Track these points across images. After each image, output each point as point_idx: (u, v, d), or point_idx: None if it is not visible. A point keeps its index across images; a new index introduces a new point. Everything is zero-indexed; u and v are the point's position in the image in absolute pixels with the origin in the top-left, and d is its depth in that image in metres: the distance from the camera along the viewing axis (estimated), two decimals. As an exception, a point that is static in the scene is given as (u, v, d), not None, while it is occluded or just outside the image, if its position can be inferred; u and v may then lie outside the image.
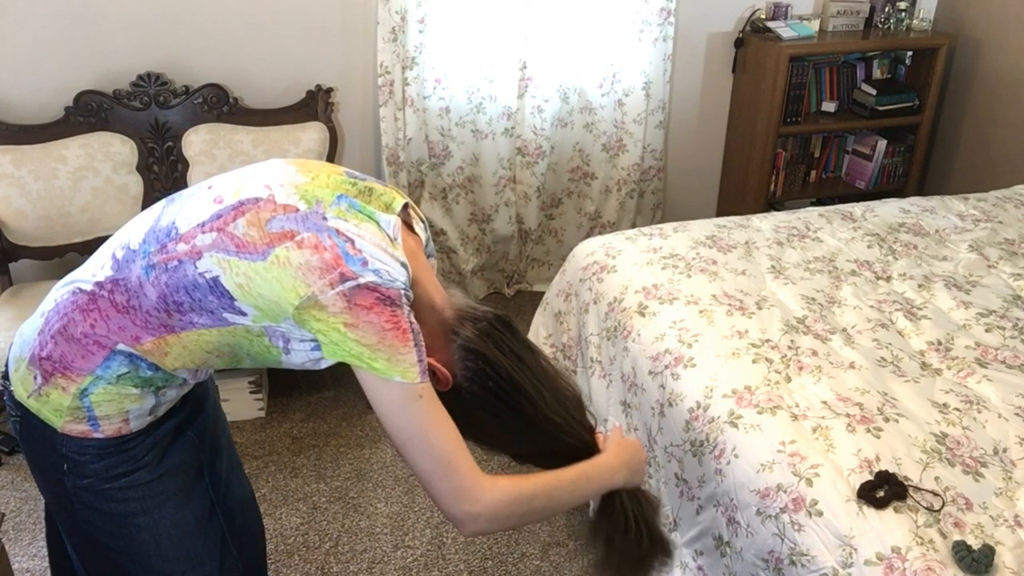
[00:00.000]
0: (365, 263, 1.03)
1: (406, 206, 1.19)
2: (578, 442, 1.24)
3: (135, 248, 1.12)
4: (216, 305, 1.07)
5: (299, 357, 1.12)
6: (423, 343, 1.07)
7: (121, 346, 1.10)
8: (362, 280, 1.02)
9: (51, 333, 1.12)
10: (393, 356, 1.04)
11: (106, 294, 1.11)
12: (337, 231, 1.05)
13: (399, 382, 1.04)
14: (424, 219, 1.27)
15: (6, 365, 1.20)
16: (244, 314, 1.08)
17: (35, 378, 1.13)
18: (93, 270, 1.14)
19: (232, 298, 1.06)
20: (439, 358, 1.16)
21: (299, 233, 1.04)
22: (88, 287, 1.12)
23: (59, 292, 1.16)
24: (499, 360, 1.15)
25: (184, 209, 1.12)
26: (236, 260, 1.05)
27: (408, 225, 1.20)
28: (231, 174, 1.18)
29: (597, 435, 1.29)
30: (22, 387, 1.15)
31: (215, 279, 1.06)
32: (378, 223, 1.09)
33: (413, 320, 1.07)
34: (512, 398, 1.16)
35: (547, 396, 1.19)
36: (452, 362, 1.16)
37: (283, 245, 1.04)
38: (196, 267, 1.06)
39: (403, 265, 1.07)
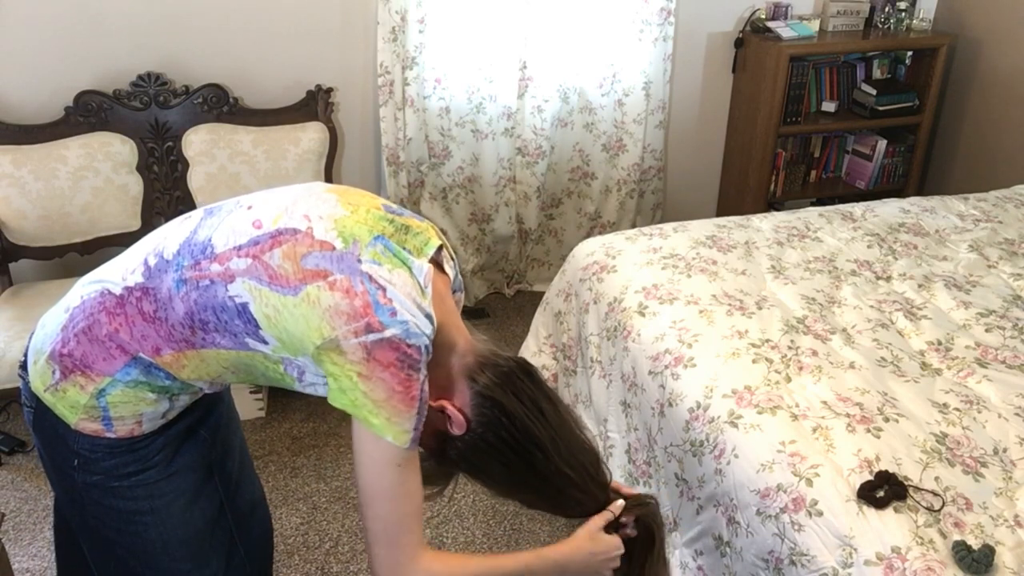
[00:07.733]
0: (394, 313, 1.04)
1: (440, 247, 1.18)
2: (588, 497, 1.23)
3: (168, 259, 1.11)
4: (241, 330, 1.08)
5: (311, 389, 1.13)
6: (425, 412, 1.08)
7: (141, 355, 1.11)
8: (387, 334, 1.03)
9: (75, 331, 1.12)
10: (393, 417, 1.05)
11: (135, 301, 1.11)
12: (370, 277, 1.05)
13: (389, 442, 1.06)
14: (454, 257, 1.27)
15: (25, 355, 1.19)
16: (266, 343, 1.08)
17: (53, 373, 1.13)
18: (123, 273, 1.14)
19: (258, 326, 1.07)
20: (457, 403, 1.16)
21: (332, 274, 1.05)
22: (117, 290, 1.12)
23: (86, 289, 1.15)
24: (515, 410, 1.14)
25: (221, 226, 1.12)
26: (268, 291, 1.06)
27: (438, 264, 1.19)
28: (271, 195, 1.17)
29: (613, 488, 1.27)
30: (39, 380, 1.15)
31: (244, 305, 1.07)
32: (411, 270, 1.09)
33: (425, 388, 1.07)
34: (524, 449, 1.15)
35: (562, 449, 1.17)
36: (469, 408, 1.15)
37: (315, 284, 1.05)
38: (227, 290, 1.07)
39: (428, 317, 1.08)
